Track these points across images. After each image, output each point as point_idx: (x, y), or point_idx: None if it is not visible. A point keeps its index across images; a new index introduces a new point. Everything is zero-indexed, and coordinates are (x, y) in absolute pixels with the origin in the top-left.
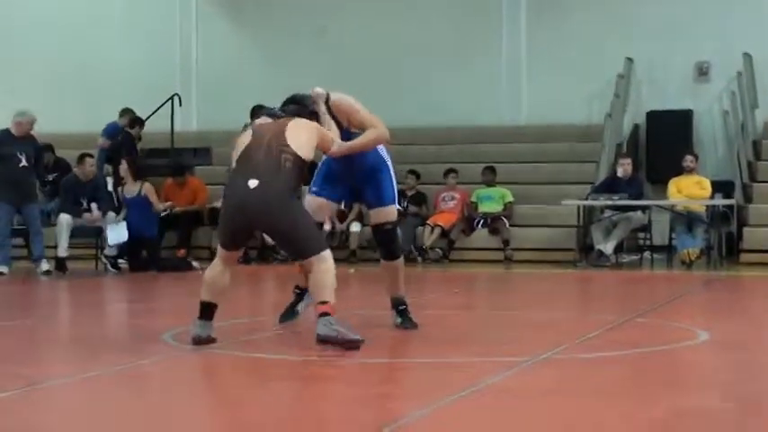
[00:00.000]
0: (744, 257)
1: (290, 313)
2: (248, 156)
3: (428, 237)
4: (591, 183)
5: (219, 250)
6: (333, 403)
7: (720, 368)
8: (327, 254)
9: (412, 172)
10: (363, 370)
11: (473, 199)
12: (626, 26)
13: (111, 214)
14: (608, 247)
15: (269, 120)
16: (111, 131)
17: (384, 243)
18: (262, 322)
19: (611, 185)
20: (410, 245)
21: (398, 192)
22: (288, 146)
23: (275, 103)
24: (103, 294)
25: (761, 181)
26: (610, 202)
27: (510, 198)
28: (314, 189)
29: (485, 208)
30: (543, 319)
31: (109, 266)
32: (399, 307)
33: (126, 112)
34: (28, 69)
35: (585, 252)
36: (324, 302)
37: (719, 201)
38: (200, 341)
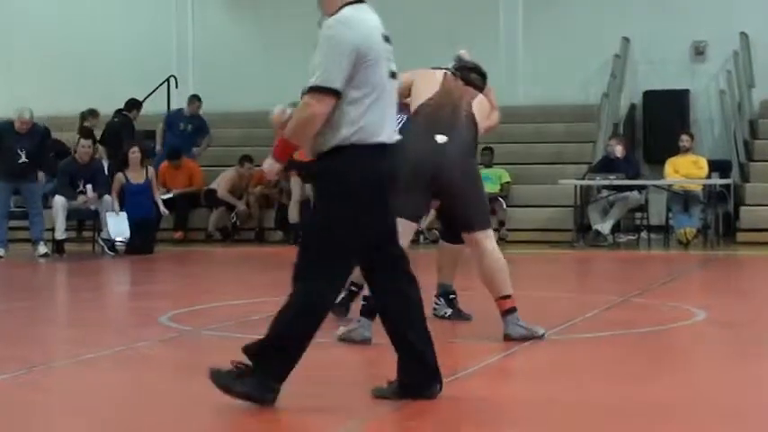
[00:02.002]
0: (740, 236)
1: (341, 310)
2: (434, 111)
3: (424, 218)
4: (588, 163)
5: (403, 225)
6: (329, 384)
7: (717, 348)
8: (492, 233)
9: None
10: (362, 351)
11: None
12: (623, 6)
13: (107, 198)
14: (605, 227)
15: (450, 75)
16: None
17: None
18: (259, 304)
19: (608, 165)
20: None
21: None
22: (473, 114)
23: (271, 82)
24: (101, 277)
25: (757, 160)
26: (606, 182)
27: (507, 178)
28: None
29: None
30: (540, 300)
31: (106, 249)
32: (450, 296)
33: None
34: (24, 52)
35: (583, 232)
36: (507, 297)
37: (716, 180)
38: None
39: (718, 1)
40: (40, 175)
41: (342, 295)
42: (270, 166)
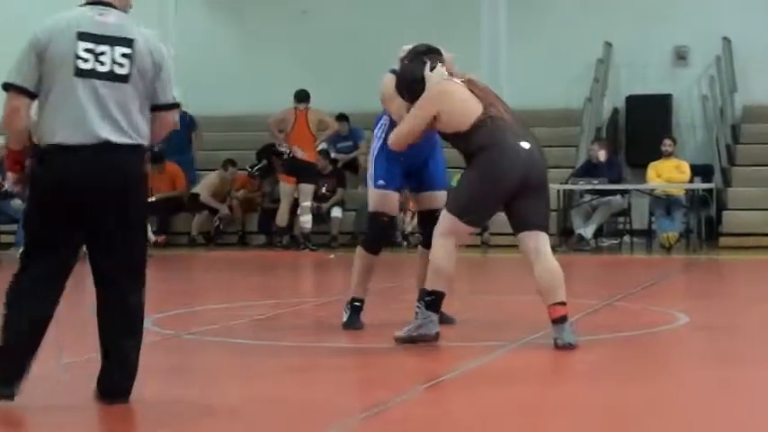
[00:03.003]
0: (723, 241)
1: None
2: (502, 117)
3: (408, 222)
4: (571, 167)
5: (460, 229)
6: (314, 388)
7: (698, 352)
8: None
9: None
10: (346, 355)
11: (453, 183)
12: (605, 10)
13: None
14: (588, 232)
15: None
16: None
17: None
18: (241, 308)
19: (591, 170)
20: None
21: None
22: None
23: (251, 84)
24: (83, 278)
25: (740, 165)
26: (589, 186)
27: None
28: (382, 183)
29: None
30: (523, 304)
31: None
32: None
33: None
34: (3, 56)
35: (566, 236)
36: (563, 303)
37: (699, 185)
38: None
39: (701, 6)
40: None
41: (347, 315)
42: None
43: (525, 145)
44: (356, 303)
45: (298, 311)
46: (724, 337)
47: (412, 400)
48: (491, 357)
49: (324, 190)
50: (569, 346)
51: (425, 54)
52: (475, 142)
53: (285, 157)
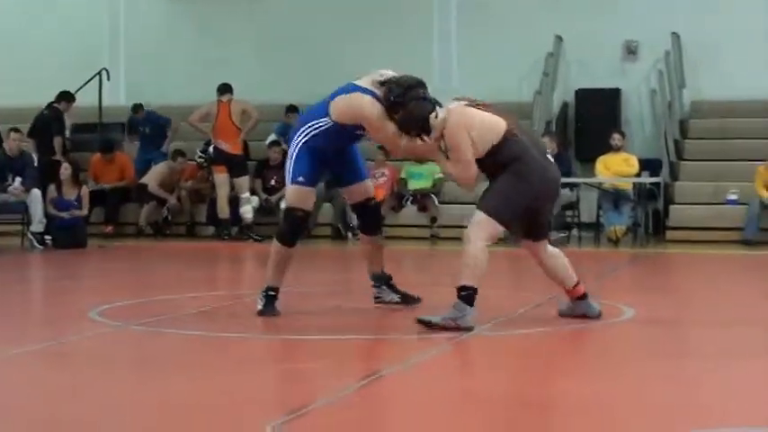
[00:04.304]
0: (670, 235)
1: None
2: (521, 131)
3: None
4: None
5: (494, 229)
6: (258, 380)
7: (643, 345)
8: None
9: None
10: (291, 347)
11: (402, 175)
12: (556, 4)
13: (36, 191)
14: None
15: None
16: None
17: (374, 217)
18: (190, 299)
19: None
20: (339, 222)
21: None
22: None
23: (206, 75)
24: (30, 271)
25: (687, 159)
26: None
27: (440, 174)
28: (302, 179)
29: (414, 185)
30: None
31: (35, 243)
32: (390, 281)
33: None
34: None
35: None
36: (578, 284)
37: (646, 179)
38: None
39: (651, 1)
40: None
41: (263, 303)
42: None
43: (550, 159)
44: (271, 293)
45: (244, 303)
46: (668, 330)
47: (359, 391)
48: (439, 350)
49: (273, 182)
50: (599, 316)
51: (417, 88)
52: (506, 153)
53: (204, 155)
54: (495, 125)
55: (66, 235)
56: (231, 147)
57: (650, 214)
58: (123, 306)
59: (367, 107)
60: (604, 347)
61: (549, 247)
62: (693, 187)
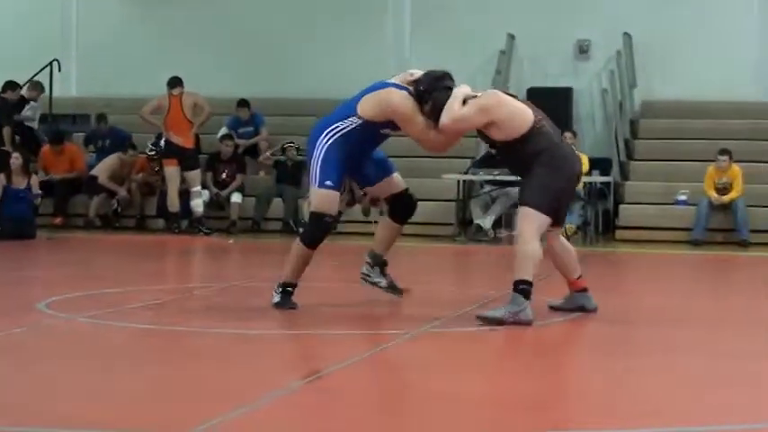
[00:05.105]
0: (619, 234)
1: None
2: (549, 124)
3: (307, 209)
4: (471, 158)
5: (542, 221)
6: (205, 375)
7: (590, 343)
8: None
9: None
10: (240, 342)
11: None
12: (508, 3)
13: None
14: (487, 222)
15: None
16: None
17: (409, 206)
18: (138, 292)
19: (491, 160)
20: (290, 218)
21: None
22: None
23: (157, 68)
24: None
25: (637, 159)
26: (489, 177)
27: None
28: (329, 183)
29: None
30: (421, 293)
31: None
32: (384, 267)
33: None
34: None
35: (464, 226)
36: (580, 277)
37: (597, 178)
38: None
39: (603, 1)
40: None
41: (279, 296)
42: None
43: (572, 149)
44: (288, 288)
45: (194, 297)
46: (615, 329)
47: (309, 386)
48: (389, 346)
49: (224, 175)
50: (595, 310)
51: (444, 78)
52: (535, 145)
53: (155, 148)
54: (523, 113)
55: (14, 226)
56: (183, 140)
57: (600, 213)
58: (72, 298)
59: (399, 100)
60: (552, 345)
61: (562, 238)
62: (643, 187)
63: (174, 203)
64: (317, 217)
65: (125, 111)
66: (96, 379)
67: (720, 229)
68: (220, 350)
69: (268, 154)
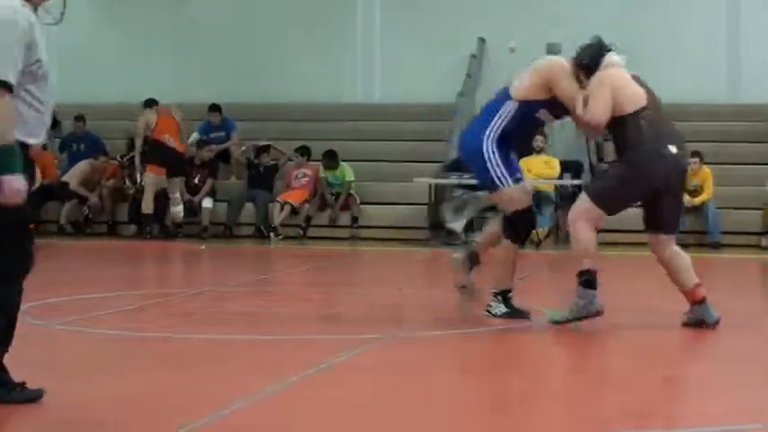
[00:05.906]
0: None
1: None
2: (657, 118)
3: (278, 214)
4: (442, 161)
5: (596, 214)
6: (178, 379)
7: (559, 346)
8: None
9: (264, 148)
10: (214, 347)
11: (322, 174)
12: (479, 7)
13: None
14: (458, 226)
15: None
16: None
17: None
18: (112, 298)
19: (462, 164)
20: (260, 222)
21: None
22: None
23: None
24: None
25: (609, 162)
26: (460, 181)
27: (351, 176)
28: (519, 176)
29: (335, 189)
30: (394, 297)
31: None
32: (479, 262)
33: None
34: None
35: (436, 230)
36: (699, 285)
37: (568, 181)
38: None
39: (573, 2)
40: None
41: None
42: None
43: (672, 149)
44: (510, 295)
45: (166, 302)
46: (584, 331)
47: (283, 390)
48: (362, 350)
49: (196, 180)
50: (717, 323)
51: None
52: (626, 137)
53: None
54: (635, 96)
55: None
56: (178, 144)
57: None
58: (46, 305)
59: (555, 63)
60: (521, 348)
61: (675, 246)
62: None
63: (148, 206)
64: (521, 214)
65: (97, 117)
66: (71, 387)
67: (692, 231)
68: (193, 356)
69: (243, 149)
